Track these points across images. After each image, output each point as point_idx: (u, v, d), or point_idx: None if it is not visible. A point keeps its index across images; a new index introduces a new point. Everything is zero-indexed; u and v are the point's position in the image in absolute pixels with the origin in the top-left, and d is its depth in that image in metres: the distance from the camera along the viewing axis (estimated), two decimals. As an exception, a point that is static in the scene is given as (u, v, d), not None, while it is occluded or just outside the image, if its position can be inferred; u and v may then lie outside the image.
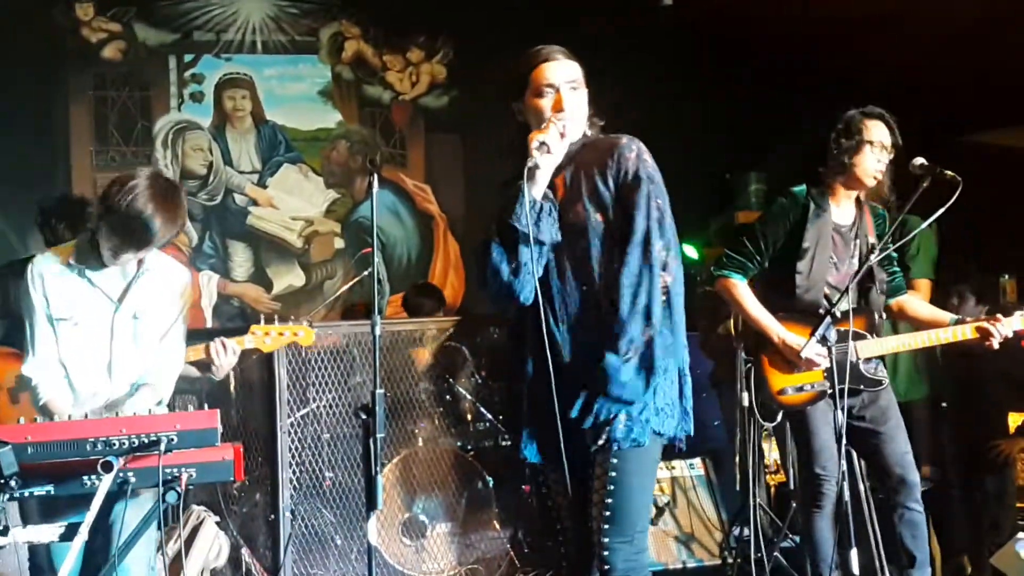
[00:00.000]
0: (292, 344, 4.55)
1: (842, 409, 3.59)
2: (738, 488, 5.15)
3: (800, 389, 3.90)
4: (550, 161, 2.79)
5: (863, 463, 4.21)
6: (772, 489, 5.55)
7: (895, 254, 3.99)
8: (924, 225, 3.81)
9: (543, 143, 2.75)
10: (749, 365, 4.01)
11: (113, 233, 3.21)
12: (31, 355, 3.32)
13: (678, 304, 2.82)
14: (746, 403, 5.24)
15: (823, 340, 3.67)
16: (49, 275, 3.33)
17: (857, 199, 3.94)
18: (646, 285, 2.73)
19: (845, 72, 5.94)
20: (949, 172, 3.65)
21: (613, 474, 2.76)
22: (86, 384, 3.33)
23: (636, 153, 2.83)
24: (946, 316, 4.00)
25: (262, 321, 4.07)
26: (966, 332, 3.89)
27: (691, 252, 6.83)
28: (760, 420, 4.06)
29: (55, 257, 3.37)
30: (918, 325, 4.01)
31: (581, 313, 2.81)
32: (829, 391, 3.80)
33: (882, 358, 3.96)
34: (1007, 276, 5.81)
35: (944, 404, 5.25)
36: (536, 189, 2.79)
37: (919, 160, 3.74)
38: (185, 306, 3.50)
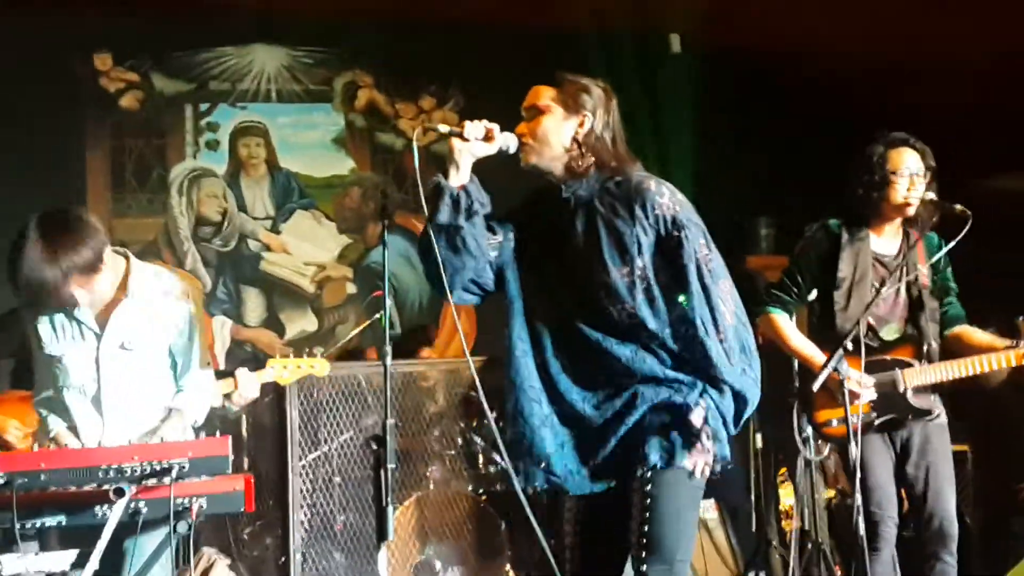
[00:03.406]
0: (304, 385, 4.66)
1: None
2: (754, 530, 5.11)
3: (844, 421, 3.83)
4: (463, 147, 2.77)
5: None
6: (788, 534, 5.49)
7: (954, 285, 3.92)
8: (935, 258, 3.80)
9: (451, 129, 2.77)
10: (793, 400, 3.93)
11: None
12: (35, 390, 3.31)
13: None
14: (760, 444, 5.27)
15: (836, 373, 3.64)
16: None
17: (905, 228, 3.87)
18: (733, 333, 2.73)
19: (860, 115, 5.97)
20: (959, 206, 3.65)
21: (648, 500, 2.69)
22: (82, 424, 3.20)
23: (668, 196, 2.76)
24: (1003, 342, 3.85)
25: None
26: (1011, 359, 3.77)
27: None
28: (806, 455, 4.00)
29: None
30: (976, 354, 3.84)
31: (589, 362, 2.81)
32: (876, 422, 3.75)
33: (940, 393, 3.84)
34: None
35: (968, 447, 5.20)
36: (454, 176, 2.78)
37: (929, 195, 3.75)
38: (187, 314, 3.29)
